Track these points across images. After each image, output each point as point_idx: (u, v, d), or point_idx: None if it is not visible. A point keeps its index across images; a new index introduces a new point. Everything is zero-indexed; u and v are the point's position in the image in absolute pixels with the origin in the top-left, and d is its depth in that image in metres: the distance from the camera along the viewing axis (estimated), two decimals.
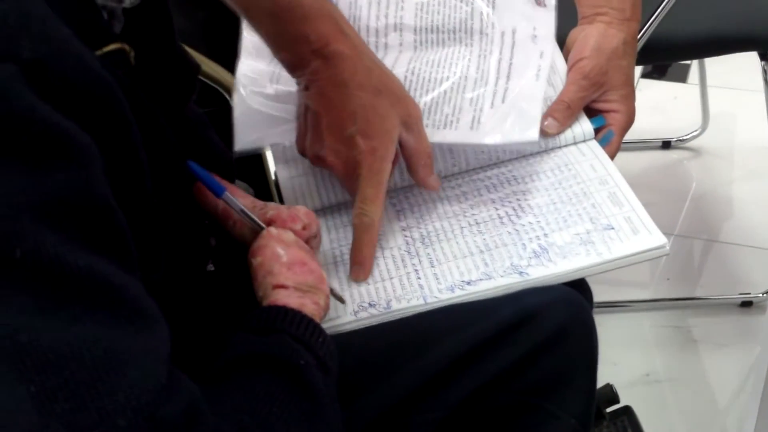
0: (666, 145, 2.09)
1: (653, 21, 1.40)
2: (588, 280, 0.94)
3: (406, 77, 0.98)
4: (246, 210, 0.79)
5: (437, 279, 0.86)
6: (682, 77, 2.31)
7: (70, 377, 0.50)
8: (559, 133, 0.99)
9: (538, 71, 0.97)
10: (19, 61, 0.50)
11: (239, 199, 0.81)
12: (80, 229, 0.52)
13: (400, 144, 0.89)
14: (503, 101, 0.96)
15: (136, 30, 0.67)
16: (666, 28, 1.42)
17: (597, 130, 1.01)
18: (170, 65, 0.76)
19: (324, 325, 0.74)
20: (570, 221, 0.89)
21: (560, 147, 0.99)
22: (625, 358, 1.60)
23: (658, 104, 2.22)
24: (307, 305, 0.73)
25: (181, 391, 0.55)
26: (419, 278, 0.86)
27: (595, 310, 0.93)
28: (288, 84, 0.95)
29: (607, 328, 1.63)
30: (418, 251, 0.89)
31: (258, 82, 0.98)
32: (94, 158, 0.53)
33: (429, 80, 0.98)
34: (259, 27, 0.87)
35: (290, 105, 0.94)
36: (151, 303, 0.56)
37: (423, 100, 0.97)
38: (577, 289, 0.89)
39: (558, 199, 0.92)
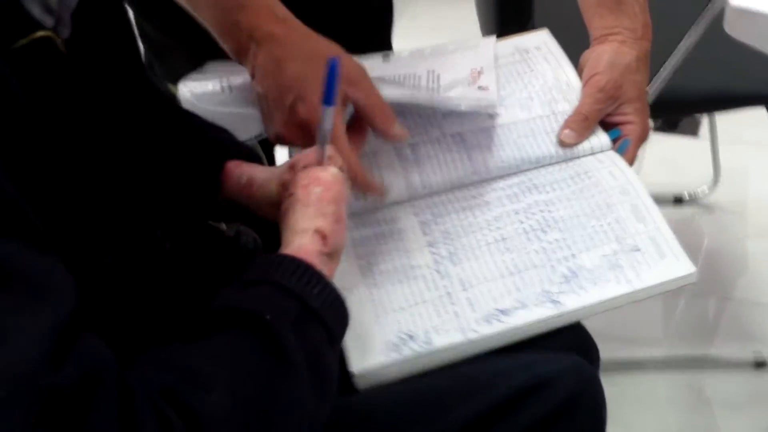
0: (678, 200, 2.08)
1: (662, 75, 1.41)
2: (598, 337, 0.94)
3: None
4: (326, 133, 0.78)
5: (471, 305, 0.86)
6: (693, 131, 2.30)
7: None
8: (576, 143, 1.02)
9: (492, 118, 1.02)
10: None
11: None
12: None
13: (352, 103, 0.90)
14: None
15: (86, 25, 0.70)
16: (675, 83, 1.43)
17: (613, 142, 1.03)
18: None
19: (367, 366, 0.77)
20: (596, 239, 0.91)
21: (578, 157, 1.02)
22: (636, 419, 1.57)
23: (670, 158, 2.21)
24: (318, 266, 0.71)
25: (78, 360, 0.54)
26: (453, 303, 0.86)
27: (606, 368, 0.93)
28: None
29: (619, 388, 1.60)
30: (448, 271, 0.90)
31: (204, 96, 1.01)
32: None
33: None
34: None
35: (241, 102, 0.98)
36: (58, 277, 0.56)
37: None
38: (584, 345, 0.91)
39: (581, 211, 0.94)
